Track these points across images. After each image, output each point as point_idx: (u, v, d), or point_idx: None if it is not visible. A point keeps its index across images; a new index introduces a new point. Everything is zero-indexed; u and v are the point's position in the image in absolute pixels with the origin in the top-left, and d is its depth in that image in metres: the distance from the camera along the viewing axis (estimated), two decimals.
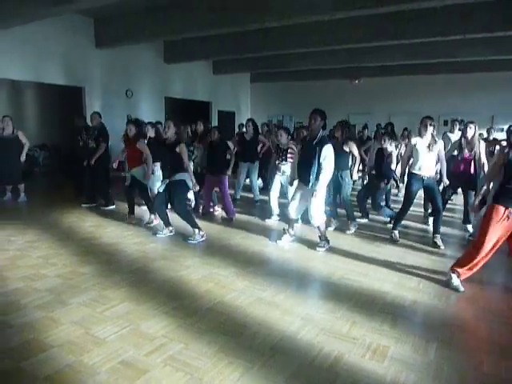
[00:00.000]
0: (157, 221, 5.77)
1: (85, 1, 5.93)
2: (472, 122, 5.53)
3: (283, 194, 6.25)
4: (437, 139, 5.06)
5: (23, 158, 7.21)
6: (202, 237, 5.13)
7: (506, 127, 11.27)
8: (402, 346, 2.77)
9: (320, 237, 4.95)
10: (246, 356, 2.60)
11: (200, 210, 6.58)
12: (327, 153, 4.54)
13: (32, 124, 11.95)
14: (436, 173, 5.41)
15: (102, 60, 9.92)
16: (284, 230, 5.25)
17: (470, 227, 5.84)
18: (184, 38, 9.69)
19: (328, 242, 4.96)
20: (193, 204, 6.73)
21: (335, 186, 5.68)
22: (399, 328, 3.03)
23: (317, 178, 4.58)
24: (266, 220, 6.26)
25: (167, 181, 5.10)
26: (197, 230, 5.11)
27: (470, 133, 5.49)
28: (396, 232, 5.42)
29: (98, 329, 2.90)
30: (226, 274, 4.05)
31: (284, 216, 5.62)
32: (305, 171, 4.69)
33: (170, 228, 5.32)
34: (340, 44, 8.66)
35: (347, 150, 5.67)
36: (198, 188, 5.33)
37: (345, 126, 5.83)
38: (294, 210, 4.99)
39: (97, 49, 9.62)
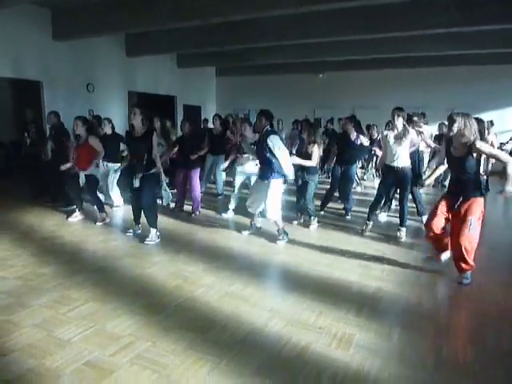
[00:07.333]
0: (108, 219, 5.68)
1: None
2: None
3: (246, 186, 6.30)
4: (409, 129, 4.98)
5: None
6: (158, 237, 4.91)
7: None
8: (366, 334, 2.85)
9: (278, 230, 4.99)
10: (214, 351, 2.60)
11: (175, 207, 6.39)
12: (275, 142, 4.58)
13: None
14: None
15: (61, 53, 9.50)
16: (251, 223, 5.34)
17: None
18: (147, 31, 9.46)
19: (286, 234, 5.00)
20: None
21: (300, 186, 5.63)
22: (364, 316, 3.11)
23: (274, 170, 4.66)
24: (222, 214, 6.24)
25: (141, 175, 4.74)
26: (154, 230, 4.88)
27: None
28: (370, 224, 5.38)
29: (61, 330, 2.81)
30: (193, 269, 4.02)
31: (243, 209, 5.63)
32: (262, 166, 4.92)
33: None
34: (304, 38, 8.71)
35: (309, 152, 5.41)
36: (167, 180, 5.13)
37: (313, 126, 5.72)
38: (251, 205, 5.09)
39: (55, 41, 9.23)
